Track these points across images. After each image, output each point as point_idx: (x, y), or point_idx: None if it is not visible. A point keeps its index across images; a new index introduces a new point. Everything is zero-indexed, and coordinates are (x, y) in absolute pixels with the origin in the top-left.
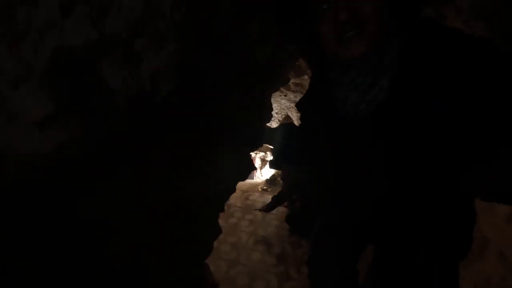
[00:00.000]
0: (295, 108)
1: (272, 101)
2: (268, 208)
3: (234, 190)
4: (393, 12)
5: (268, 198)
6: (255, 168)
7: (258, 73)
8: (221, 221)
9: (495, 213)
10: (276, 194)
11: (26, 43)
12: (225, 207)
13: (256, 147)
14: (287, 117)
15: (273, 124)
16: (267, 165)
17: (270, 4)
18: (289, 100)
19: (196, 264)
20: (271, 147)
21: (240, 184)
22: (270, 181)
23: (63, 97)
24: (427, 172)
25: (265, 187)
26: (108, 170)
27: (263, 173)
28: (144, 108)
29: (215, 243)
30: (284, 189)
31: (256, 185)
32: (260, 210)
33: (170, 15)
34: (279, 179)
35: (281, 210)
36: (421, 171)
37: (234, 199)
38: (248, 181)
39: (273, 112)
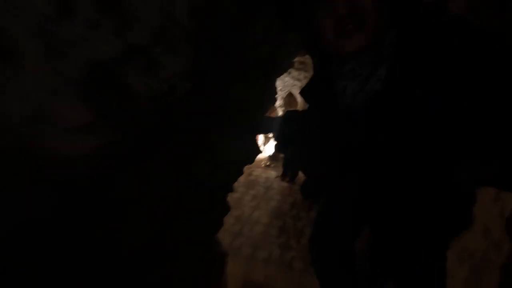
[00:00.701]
0: (297, 86)
1: None
2: (284, 175)
3: (241, 172)
4: (393, 4)
5: (271, 173)
6: (261, 152)
7: (258, 72)
8: None
9: (483, 191)
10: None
11: (63, 57)
12: None
13: (257, 134)
14: (290, 94)
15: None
16: (270, 142)
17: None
18: (292, 77)
19: (208, 238)
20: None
21: None
22: (273, 157)
23: (97, 105)
24: (424, 161)
25: (268, 163)
26: (126, 166)
27: (266, 149)
28: (163, 109)
29: None
30: (285, 161)
31: (259, 161)
32: (282, 179)
33: (185, 24)
34: (282, 155)
35: (282, 185)
36: (418, 160)
37: None
38: None
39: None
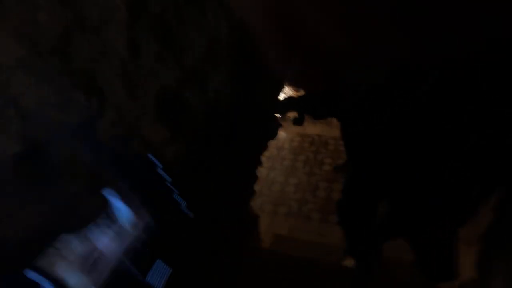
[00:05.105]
0: None
1: None
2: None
3: (267, 147)
4: None
5: (281, 134)
6: (282, 126)
7: None
8: None
9: None
10: None
11: (139, 88)
12: None
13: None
14: None
15: None
16: None
17: None
18: None
19: (246, 204)
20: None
21: None
22: (281, 119)
23: (168, 125)
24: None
25: None
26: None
27: None
28: (213, 119)
29: None
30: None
31: None
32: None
33: (226, 41)
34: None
35: (293, 145)
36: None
37: None
38: None
39: None
